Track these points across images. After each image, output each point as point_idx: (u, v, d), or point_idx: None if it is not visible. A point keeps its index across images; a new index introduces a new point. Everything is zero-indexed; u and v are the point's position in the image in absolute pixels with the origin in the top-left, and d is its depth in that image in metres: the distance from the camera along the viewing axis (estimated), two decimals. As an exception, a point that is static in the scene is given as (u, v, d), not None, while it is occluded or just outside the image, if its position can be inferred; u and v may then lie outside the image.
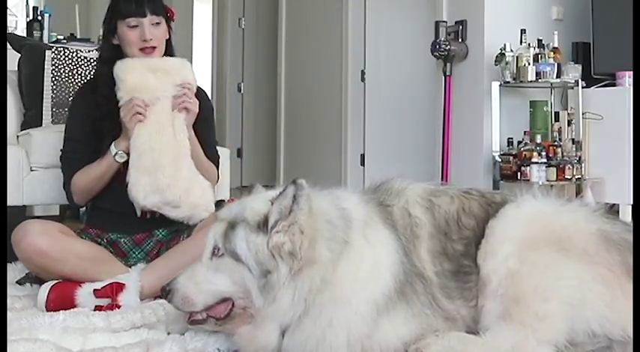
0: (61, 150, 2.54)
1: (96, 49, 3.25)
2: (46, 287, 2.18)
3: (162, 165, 2.36)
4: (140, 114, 2.35)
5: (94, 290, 2.15)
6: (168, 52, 2.56)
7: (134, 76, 2.42)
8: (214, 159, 2.61)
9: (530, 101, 4.17)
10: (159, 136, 2.38)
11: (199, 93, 2.55)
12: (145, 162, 2.36)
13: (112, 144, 2.40)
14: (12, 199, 2.83)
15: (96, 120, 2.45)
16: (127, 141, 2.39)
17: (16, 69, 3.37)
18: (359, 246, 1.61)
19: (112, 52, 2.51)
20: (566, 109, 4.15)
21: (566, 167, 3.88)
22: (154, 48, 2.47)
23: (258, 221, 1.55)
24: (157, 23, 2.48)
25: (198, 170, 2.45)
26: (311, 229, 1.55)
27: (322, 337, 1.55)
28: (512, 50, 4.01)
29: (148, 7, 2.46)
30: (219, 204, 3.21)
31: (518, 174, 3.90)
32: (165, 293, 1.66)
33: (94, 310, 2.09)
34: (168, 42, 2.56)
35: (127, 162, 2.39)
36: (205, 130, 2.56)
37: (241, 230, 1.56)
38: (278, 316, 1.56)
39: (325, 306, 1.55)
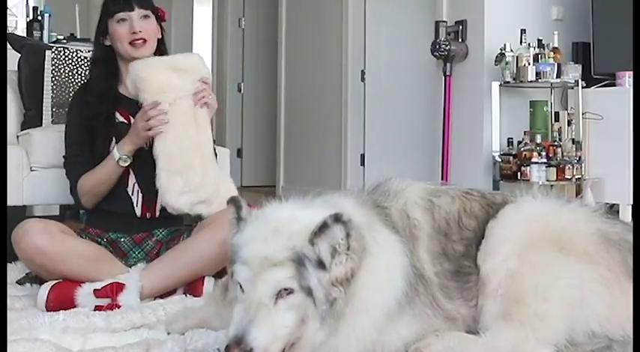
0: (63, 156, 2.54)
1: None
2: (46, 287, 2.18)
3: (192, 164, 2.37)
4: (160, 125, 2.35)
5: (94, 290, 2.15)
6: (161, 51, 2.57)
7: (158, 76, 2.38)
8: None
9: (530, 101, 4.15)
10: (186, 136, 2.38)
11: None
12: (176, 164, 2.35)
13: (115, 149, 2.39)
14: (12, 199, 2.83)
15: (87, 119, 2.46)
16: (132, 145, 2.38)
17: (16, 69, 3.37)
18: (373, 251, 1.56)
19: (103, 53, 2.54)
20: (566, 109, 4.14)
21: (566, 167, 3.87)
22: (145, 41, 2.47)
23: (315, 258, 1.48)
24: (146, 16, 2.50)
25: None
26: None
27: (335, 347, 1.51)
28: (512, 50, 4.00)
29: (135, 1, 2.49)
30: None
31: (518, 174, 3.89)
32: None
33: (94, 310, 2.09)
34: (161, 41, 2.57)
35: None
36: None
37: (310, 266, 1.47)
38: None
39: (345, 317, 1.50)
